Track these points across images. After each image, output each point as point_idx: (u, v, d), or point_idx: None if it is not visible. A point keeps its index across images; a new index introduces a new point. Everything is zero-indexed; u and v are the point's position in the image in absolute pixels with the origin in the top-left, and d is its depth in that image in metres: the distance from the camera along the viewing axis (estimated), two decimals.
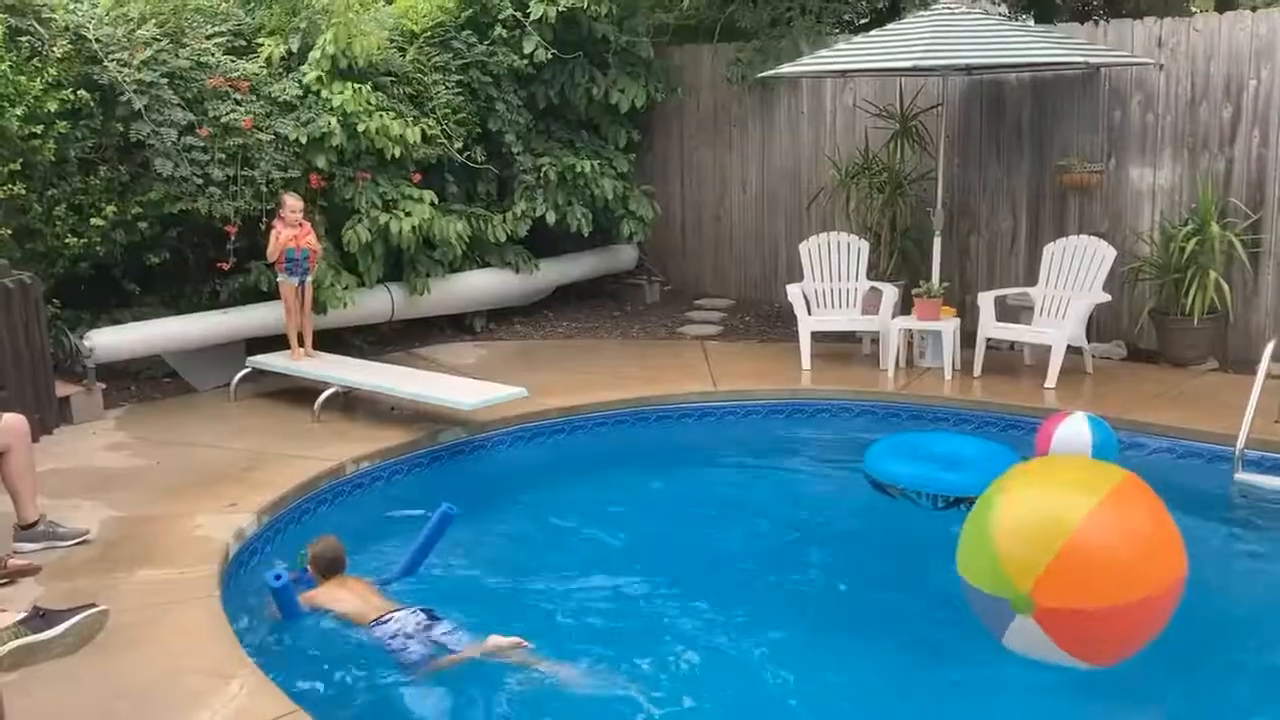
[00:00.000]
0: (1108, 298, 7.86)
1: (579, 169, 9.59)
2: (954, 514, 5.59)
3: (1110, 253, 7.78)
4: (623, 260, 10.95)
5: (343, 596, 4.70)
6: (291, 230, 7.44)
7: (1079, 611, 3.43)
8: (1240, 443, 6.00)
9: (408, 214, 8.35)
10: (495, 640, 4.32)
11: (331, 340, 8.42)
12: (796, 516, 6.16)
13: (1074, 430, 5.58)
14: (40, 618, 3.07)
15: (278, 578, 4.57)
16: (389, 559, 5.22)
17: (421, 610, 4.55)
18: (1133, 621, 3.56)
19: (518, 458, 6.95)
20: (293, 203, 7.49)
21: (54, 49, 7.07)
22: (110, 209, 7.35)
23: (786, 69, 8.34)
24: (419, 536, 5.05)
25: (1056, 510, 3.54)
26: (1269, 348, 6.21)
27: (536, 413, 7.13)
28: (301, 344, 7.64)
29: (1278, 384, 6.46)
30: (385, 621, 4.48)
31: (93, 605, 3.19)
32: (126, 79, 7.21)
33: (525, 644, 4.30)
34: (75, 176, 7.35)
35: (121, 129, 7.36)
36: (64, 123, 7.08)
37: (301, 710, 3.64)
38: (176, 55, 7.59)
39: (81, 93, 7.13)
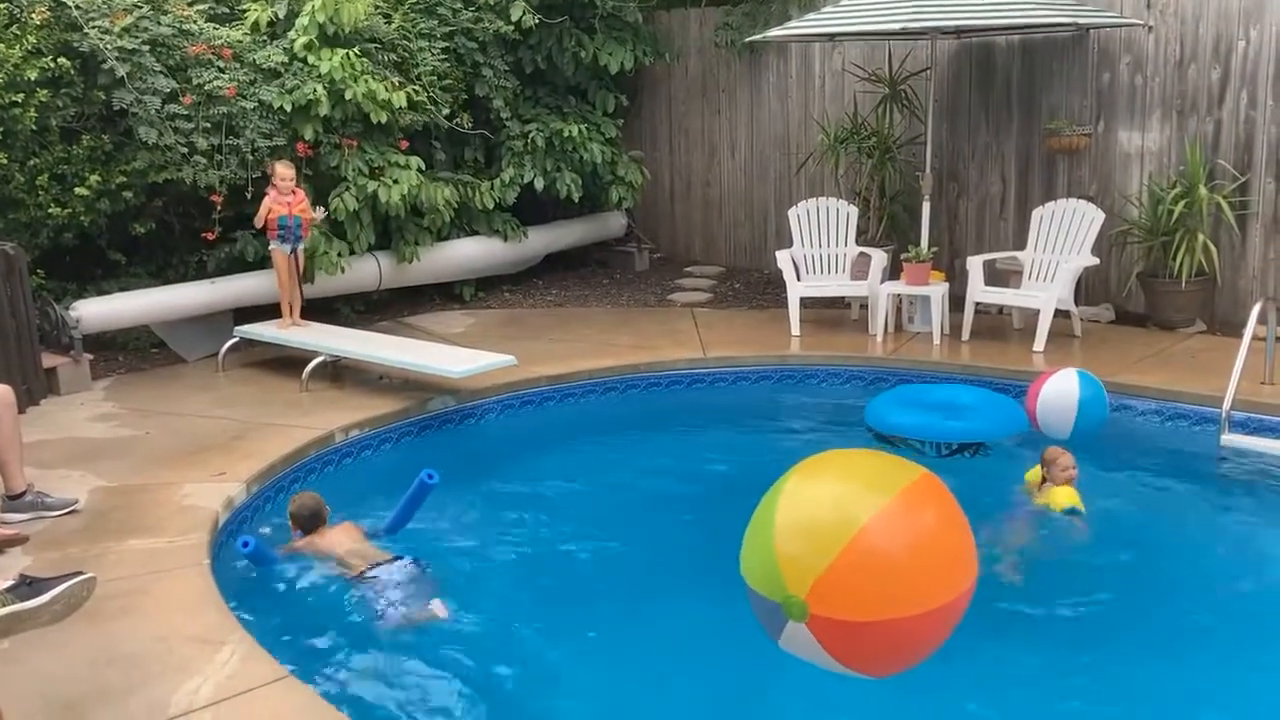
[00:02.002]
0: (1096, 261, 7.86)
1: (567, 134, 9.53)
2: (959, 461, 5.79)
3: (1099, 216, 7.78)
4: (611, 228, 10.92)
5: (333, 543, 4.77)
6: (284, 198, 7.39)
7: (855, 624, 3.04)
8: (1226, 405, 6.04)
9: (395, 181, 8.30)
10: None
11: (320, 309, 8.39)
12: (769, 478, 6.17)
13: (1061, 385, 5.62)
14: (27, 586, 3.07)
15: (245, 544, 4.64)
16: (376, 524, 5.24)
17: (411, 561, 4.62)
18: (912, 635, 3.14)
19: (507, 425, 6.95)
20: (283, 170, 7.43)
21: (33, 15, 6.98)
22: (94, 178, 7.30)
23: (775, 33, 8.28)
24: (399, 502, 5.10)
25: (840, 512, 3.10)
26: (1255, 310, 6.23)
27: (526, 380, 7.13)
28: (291, 313, 7.61)
29: (1264, 346, 6.48)
30: (376, 568, 4.55)
31: (80, 573, 3.20)
32: (108, 46, 7.13)
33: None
34: (57, 145, 7.28)
35: (103, 97, 7.29)
36: (44, 91, 7.01)
37: (292, 675, 3.66)
38: (158, 22, 7.51)
39: (62, 60, 7.05)
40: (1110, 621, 4.49)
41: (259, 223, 7.46)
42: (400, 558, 4.67)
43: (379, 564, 4.60)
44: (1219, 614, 4.52)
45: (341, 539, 4.83)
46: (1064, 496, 5.23)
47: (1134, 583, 4.81)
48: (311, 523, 4.88)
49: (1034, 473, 5.50)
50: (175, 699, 3.50)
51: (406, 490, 5.05)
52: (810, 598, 3.01)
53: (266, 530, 5.17)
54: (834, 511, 3.10)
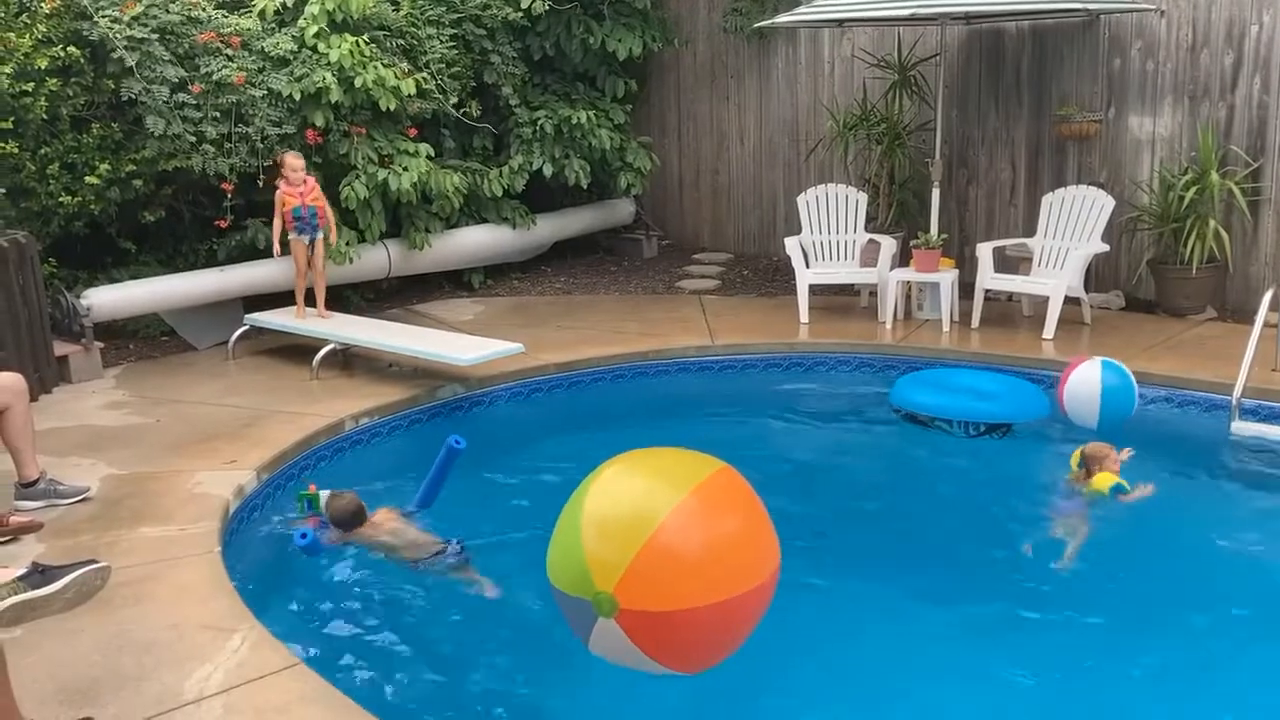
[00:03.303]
0: (1106, 248, 7.84)
1: (575, 120, 9.52)
2: (985, 442, 6.10)
3: (1109, 202, 7.75)
4: (620, 215, 10.91)
5: (380, 533, 4.88)
6: (295, 189, 7.38)
7: (663, 614, 3.15)
8: (1237, 392, 6.03)
9: (405, 169, 8.30)
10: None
11: (331, 297, 8.40)
12: (794, 466, 6.21)
13: (1087, 374, 5.86)
14: (40, 573, 3.09)
15: (303, 535, 4.70)
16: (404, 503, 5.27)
17: (459, 542, 4.77)
18: (720, 623, 3.24)
19: (516, 413, 6.97)
20: (293, 161, 7.43)
21: (43, 5, 7.00)
22: (104, 167, 7.32)
23: (783, 19, 8.25)
24: (429, 472, 5.16)
25: (642, 505, 3.22)
26: (1267, 296, 6.21)
27: (534, 368, 7.14)
28: (311, 303, 7.61)
29: (1275, 333, 6.45)
30: (435, 556, 4.71)
31: (93, 561, 3.22)
32: (117, 35, 7.14)
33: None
34: (67, 134, 7.31)
35: (113, 86, 7.30)
36: (54, 80, 7.03)
37: (302, 663, 3.69)
38: (167, 10, 7.51)
39: (71, 49, 7.07)
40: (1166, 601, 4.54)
41: (277, 220, 7.47)
42: (449, 542, 4.77)
43: (436, 552, 4.72)
44: (1230, 600, 4.52)
45: (388, 527, 4.91)
46: (1103, 480, 5.32)
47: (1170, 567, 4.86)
48: (354, 522, 4.93)
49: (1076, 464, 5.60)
50: (187, 686, 3.53)
51: (434, 461, 5.12)
52: (618, 591, 3.12)
53: (316, 522, 5.09)
54: (636, 507, 3.23)
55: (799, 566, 4.97)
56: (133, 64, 7.17)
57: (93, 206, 7.43)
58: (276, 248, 7.57)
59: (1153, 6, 7.88)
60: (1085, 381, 5.88)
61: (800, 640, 4.25)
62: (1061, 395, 5.91)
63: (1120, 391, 5.84)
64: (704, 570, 3.18)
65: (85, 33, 7.16)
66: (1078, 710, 3.85)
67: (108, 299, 7.37)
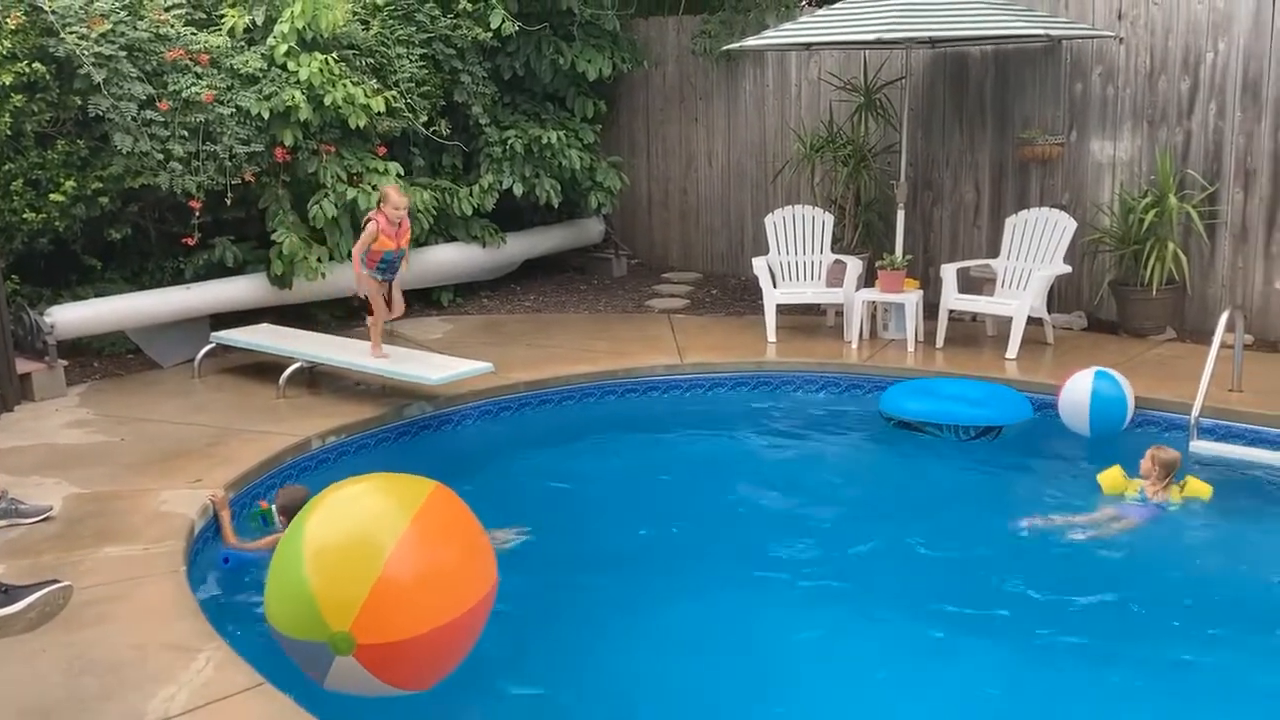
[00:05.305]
0: (1068, 269, 7.96)
1: (546, 140, 9.56)
2: (979, 446, 6.41)
3: (1071, 225, 7.87)
4: (590, 234, 10.95)
5: None
6: (392, 229, 6.64)
7: (400, 643, 3.27)
8: (1195, 411, 6.15)
9: (374, 188, 8.30)
10: None
11: (297, 315, 8.39)
12: (760, 483, 6.27)
13: (1078, 384, 6.24)
14: (3, 593, 3.08)
15: (225, 560, 4.88)
16: None
17: None
18: (453, 639, 3.42)
19: (484, 432, 6.97)
20: (397, 198, 6.64)
21: (8, 21, 6.95)
22: (69, 184, 7.27)
23: (751, 42, 8.34)
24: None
25: (367, 539, 3.32)
26: (1223, 318, 6.33)
27: (503, 387, 7.15)
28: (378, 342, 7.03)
29: (1232, 354, 6.57)
30: None
31: (55, 581, 3.21)
32: (84, 51, 7.11)
33: None
34: (32, 151, 7.25)
35: (79, 102, 7.26)
36: (19, 96, 6.99)
37: (268, 682, 3.67)
38: (135, 27, 7.49)
39: (37, 65, 7.02)
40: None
41: (358, 252, 6.76)
42: None
43: None
44: (1190, 619, 4.60)
45: None
46: (1201, 487, 5.56)
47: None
48: None
49: (1110, 475, 5.70)
50: (151, 707, 3.50)
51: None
52: (355, 629, 3.24)
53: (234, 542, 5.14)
54: (360, 544, 3.33)
55: (768, 580, 5.08)
56: (100, 80, 7.13)
57: (58, 223, 7.38)
58: (366, 285, 6.86)
59: (1112, 34, 8.04)
60: (1077, 391, 6.22)
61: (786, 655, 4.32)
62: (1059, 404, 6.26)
63: (1112, 402, 6.11)
64: (435, 594, 3.32)
65: (52, 49, 7.12)
66: None
67: (72, 316, 7.31)
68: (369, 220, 6.76)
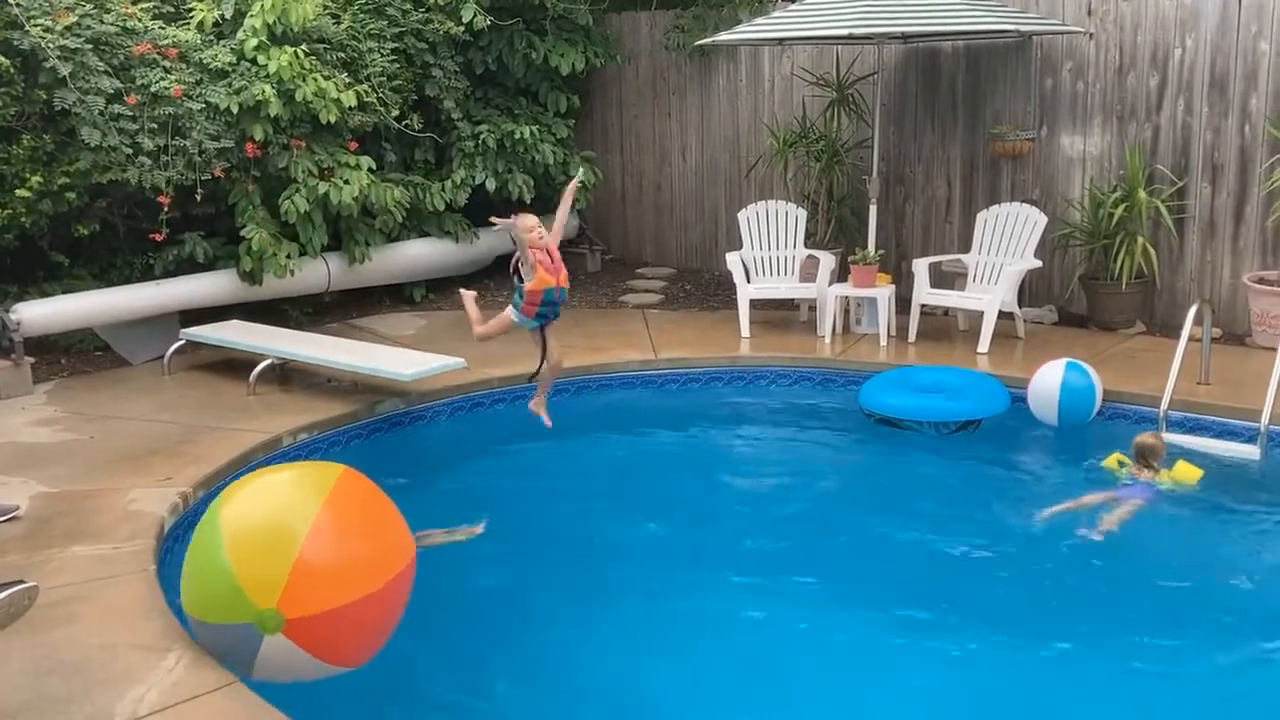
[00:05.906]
0: (1039, 264, 8.01)
1: (519, 135, 9.52)
2: (960, 439, 6.43)
3: (1042, 219, 7.93)
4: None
5: None
6: (552, 263, 5.82)
7: (329, 613, 3.41)
8: (1164, 404, 6.21)
9: (346, 182, 8.24)
10: None
11: (268, 311, 8.33)
12: (736, 478, 6.30)
13: (1047, 375, 6.34)
14: None
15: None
16: None
17: None
18: (378, 610, 3.57)
19: (458, 428, 6.95)
20: (529, 223, 5.75)
21: None
22: (35, 179, 7.17)
23: (724, 36, 8.34)
24: None
25: (284, 519, 3.48)
26: (1191, 311, 6.39)
27: (477, 383, 7.12)
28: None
29: (1200, 347, 6.64)
30: None
31: (21, 581, 3.17)
32: (49, 45, 7.02)
33: None
34: None
35: (45, 96, 7.16)
36: None
37: (239, 681, 3.64)
38: (101, 21, 7.40)
39: (1, 59, 6.92)
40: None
41: (534, 288, 5.78)
42: None
43: None
44: (1168, 606, 4.65)
45: None
46: (1191, 472, 5.71)
47: None
48: None
49: (1109, 462, 5.88)
50: (119, 707, 3.47)
51: None
52: (281, 604, 3.36)
53: None
54: (279, 521, 3.49)
55: (752, 570, 5.09)
56: (66, 74, 7.05)
57: (24, 219, 7.28)
58: (496, 328, 6.13)
59: (1082, 29, 8.09)
60: (1045, 382, 6.30)
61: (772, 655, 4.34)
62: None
63: (1080, 391, 6.23)
64: (355, 566, 3.48)
65: (16, 42, 7.02)
66: None
67: (39, 313, 7.23)
68: (517, 262, 5.81)
